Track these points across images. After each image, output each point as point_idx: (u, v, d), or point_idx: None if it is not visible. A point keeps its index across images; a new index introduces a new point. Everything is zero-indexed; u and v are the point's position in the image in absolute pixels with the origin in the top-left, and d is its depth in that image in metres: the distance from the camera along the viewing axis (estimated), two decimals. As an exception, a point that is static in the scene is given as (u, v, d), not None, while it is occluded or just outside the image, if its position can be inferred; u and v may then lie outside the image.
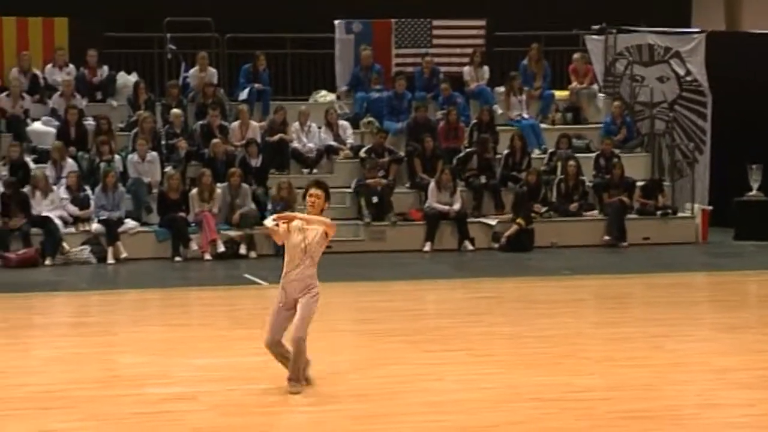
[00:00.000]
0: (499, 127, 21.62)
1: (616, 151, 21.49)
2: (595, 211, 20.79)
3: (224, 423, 8.89)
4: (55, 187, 19.03)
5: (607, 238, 20.35)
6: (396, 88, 21.77)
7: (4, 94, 20.50)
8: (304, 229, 9.75)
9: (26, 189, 18.85)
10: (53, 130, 20.22)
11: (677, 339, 12.06)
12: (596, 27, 23.19)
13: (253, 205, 19.44)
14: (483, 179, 20.69)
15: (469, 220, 20.15)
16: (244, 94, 21.49)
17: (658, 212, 20.92)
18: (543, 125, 22.23)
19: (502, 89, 22.44)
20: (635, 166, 21.46)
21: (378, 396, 9.65)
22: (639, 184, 21.13)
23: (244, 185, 19.56)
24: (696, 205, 21.18)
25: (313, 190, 9.78)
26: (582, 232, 20.46)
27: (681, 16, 24.89)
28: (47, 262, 18.31)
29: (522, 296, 15.46)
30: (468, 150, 21.00)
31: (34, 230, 18.52)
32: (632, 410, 9.15)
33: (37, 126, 20.47)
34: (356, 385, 10.20)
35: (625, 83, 22.81)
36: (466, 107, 22.11)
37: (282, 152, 20.65)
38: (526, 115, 22.05)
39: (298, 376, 9.61)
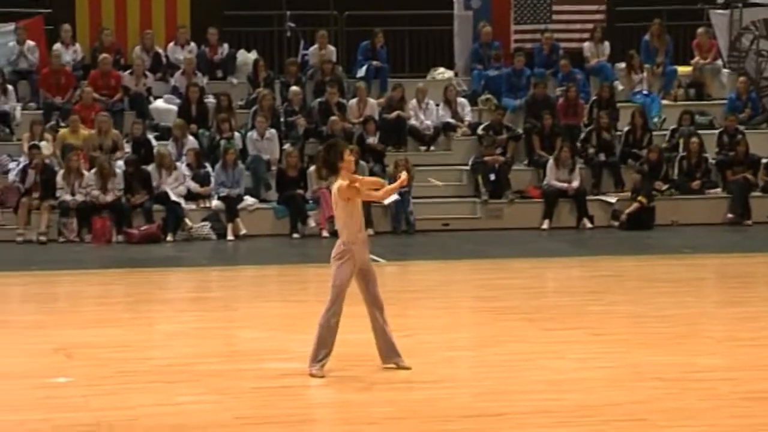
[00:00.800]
0: (619, 104, 21.33)
1: (741, 127, 21.05)
2: (718, 189, 20.41)
3: (343, 399, 8.93)
4: (178, 164, 19.31)
5: (730, 216, 19.96)
6: (515, 65, 21.61)
7: (128, 72, 20.84)
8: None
9: (150, 167, 19.14)
10: (174, 108, 20.50)
11: (804, 319, 11.80)
12: (721, 1, 22.72)
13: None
14: (602, 156, 20.45)
15: (588, 197, 19.94)
16: (362, 72, 21.53)
17: (784, 190, 20.47)
18: (665, 101, 21.88)
19: (622, 65, 22.13)
20: (760, 143, 20.99)
21: (497, 373, 9.61)
22: (764, 161, 20.68)
23: (362, 162, 19.59)
24: (823, 183, 20.67)
25: (352, 147, 9.62)
26: (704, 210, 20.10)
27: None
28: (168, 238, 18.59)
29: (642, 275, 15.26)
30: (588, 128, 20.78)
31: (155, 207, 18.81)
32: (755, 391, 8.98)
33: (159, 104, 20.77)
34: (475, 363, 10.17)
35: (751, 58, 22.30)
36: (586, 84, 21.86)
37: (399, 129, 20.65)
38: (646, 92, 21.73)
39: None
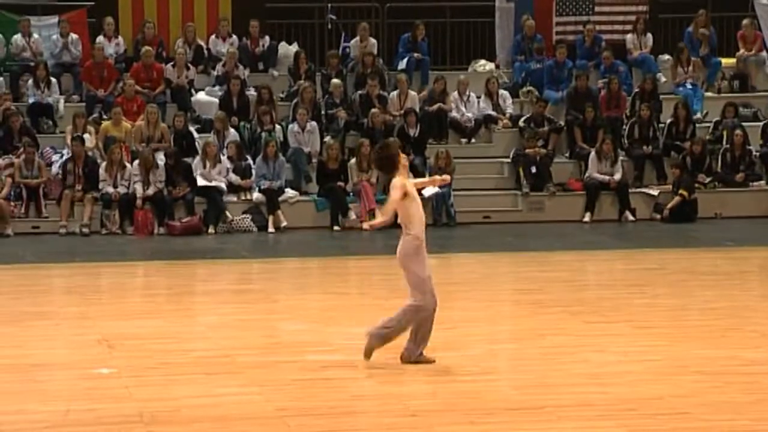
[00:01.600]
0: (662, 96, 21.19)
1: (786, 119, 20.90)
2: (762, 182, 20.25)
3: (385, 391, 8.92)
4: (221, 157, 19.37)
5: (774, 209, 19.81)
6: (557, 57, 21.52)
7: (170, 64, 20.92)
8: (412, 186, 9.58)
9: (195, 160, 19.19)
10: (216, 100, 20.56)
11: None
12: (766, -9, 22.54)
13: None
14: (645, 149, 20.33)
15: (631, 190, 19.84)
16: (402, 64, 21.51)
17: (829, 183, 20.28)
18: (708, 93, 21.72)
19: (666, 57, 21.98)
20: (805, 136, 20.81)
21: (539, 366, 9.57)
22: (809, 153, 20.50)
23: (402, 154, 19.54)
24: None
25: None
26: (748, 202, 19.96)
27: None
28: (210, 230, 18.65)
29: (685, 268, 15.16)
30: (630, 120, 20.67)
31: (197, 199, 18.87)
32: (802, 385, 8.90)
33: (200, 96, 20.84)
34: (517, 355, 10.14)
35: (796, 49, 22.12)
36: (629, 76, 21.74)
37: (440, 122, 20.62)
38: (689, 84, 21.57)
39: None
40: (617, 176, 19.75)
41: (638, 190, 20.00)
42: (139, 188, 18.66)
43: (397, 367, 9.49)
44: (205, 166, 19.08)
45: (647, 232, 18.67)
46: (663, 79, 21.63)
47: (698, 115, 21.18)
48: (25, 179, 18.83)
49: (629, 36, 22.14)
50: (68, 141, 19.28)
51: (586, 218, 19.59)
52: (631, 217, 19.60)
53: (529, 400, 8.53)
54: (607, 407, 8.35)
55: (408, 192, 9.39)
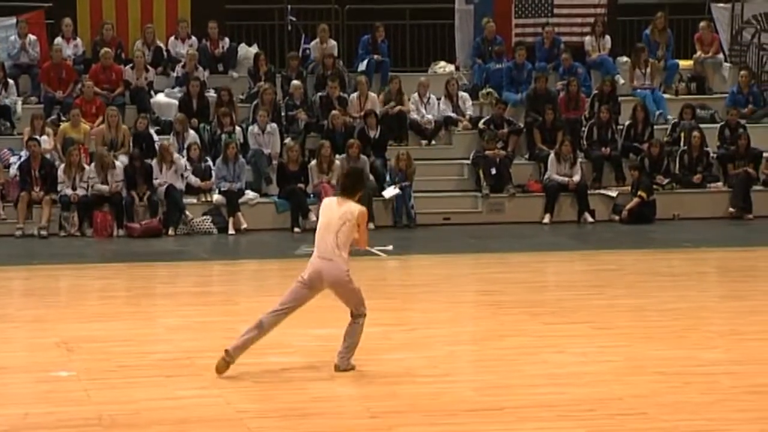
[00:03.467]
0: (621, 98, 21.31)
1: (742, 121, 21.04)
2: (720, 183, 20.40)
3: (345, 393, 8.94)
4: (177, 157, 19.29)
5: (731, 210, 19.95)
6: (516, 59, 21.59)
7: (129, 66, 20.82)
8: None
9: (153, 161, 19.12)
10: (175, 102, 20.49)
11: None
12: (723, -5, 22.72)
13: (371, 177, 19.47)
14: (604, 150, 20.44)
15: (590, 191, 19.92)
16: (363, 66, 21.51)
17: (785, 184, 20.45)
18: (666, 95, 21.86)
19: (624, 59, 22.10)
20: (762, 137, 20.94)
21: (499, 367, 9.61)
22: (766, 155, 20.63)
23: (363, 156, 19.60)
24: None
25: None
26: (706, 204, 20.09)
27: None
28: (170, 232, 18.58)
29: (644, 269, 15.25)
30: (589, 122, 20.76)
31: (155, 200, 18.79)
32: (758, 385, 8.98)
33: (160, 98, 20.76)
34: (477, 357, 10.18)
35: (752, 52, 22.28)
36: (588, 78, 21.84)
37: (401, 123, 20.64)
38: (649, 87, 21.70)
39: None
40: (576, 178, 19.84)
41: (597, 191, 20.08)
42: (100, 188, 18.57)
43: (357, 369, 9.49)
44: (161, 167, 19.01)
45: (606, 233, 18.77)
46: (621, 81, 21.75)
47: (663, 114, 21.26)
48: (-18, 181, 18.69)
49: (588, 38, 22.23)
50: (25, 142, 19.14)
51: (546, 219, 19.66)
52: (590, 219, 19.68)
53: (489, 401, 8.57)
54: (566, 408, 8.40)
55: (361, 225, 9.51)
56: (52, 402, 8.66)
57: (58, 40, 21.03)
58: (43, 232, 18.33)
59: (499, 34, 22.08)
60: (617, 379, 9.18)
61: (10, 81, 20.36)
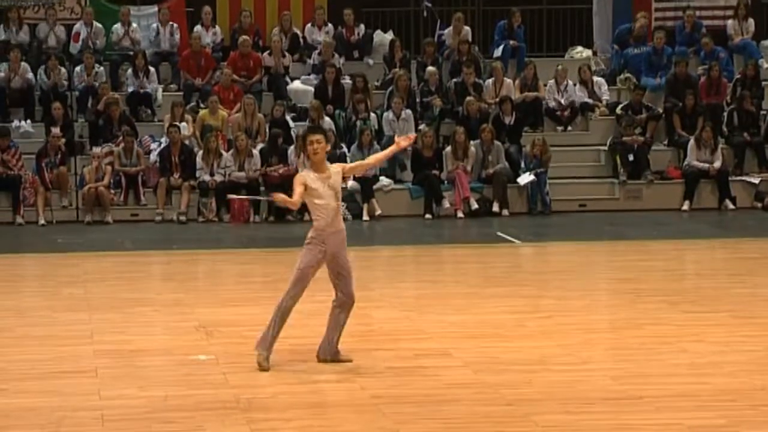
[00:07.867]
0: (764, 82, 20.80)
1: None
2: None
3: (479, 379, 8.88)
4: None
5: None
6: (655, 43, 21.22)
7: (266, 53, 21.04)
8: (325, 179, 9.44)
9: (290, 149, 19.26)
10: (311, 89, 20.63)
11: None
12: None
13: (506, 163, 19.36)
14: (746, 136, 19.97)
15: (731, 178, 19.51)
16: (498, 51, 21.37)
17: None
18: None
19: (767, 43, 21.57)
20: None
21: (637, 356, 9.45)
22: None
23: (497, 143, 19.49)
24: None
25: (314, 137, 9.35)
26: None
27: None
28: (305, 218, 18.71)
29: (787, 257, 14.88)
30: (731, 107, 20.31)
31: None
32: None
33: (296, 85, 20.93)
34: (614, 345, 10.03)
35: None
36: (730, 62, 21.36)
37: (536, 110, 20.47)
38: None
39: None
40: (717, 164, 19.44)
41: (739, 178, 19.66)
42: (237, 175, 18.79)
43: (490, 356, 9.44)
44: (298, 155, 19.14)
45: (748, 220, 18.35)
46: (765, 65, 21.22)
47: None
48: (124, 167, 19.08)
49: (730, 21, 21.74)
50: (166, 129, 19.49)
51: (685, 207, 19.31)
52: (731, 206, 19.28)
53: (626, 390, 8.44)
54: (706, 398, 8.23)
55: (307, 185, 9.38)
56: (191, 385, 8.79)
57: (198, 27, 21.34)
58: (182, 218, 18.64)
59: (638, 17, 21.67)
60: (759, 369, 8.96)
61: (151, 69, 20.74)
